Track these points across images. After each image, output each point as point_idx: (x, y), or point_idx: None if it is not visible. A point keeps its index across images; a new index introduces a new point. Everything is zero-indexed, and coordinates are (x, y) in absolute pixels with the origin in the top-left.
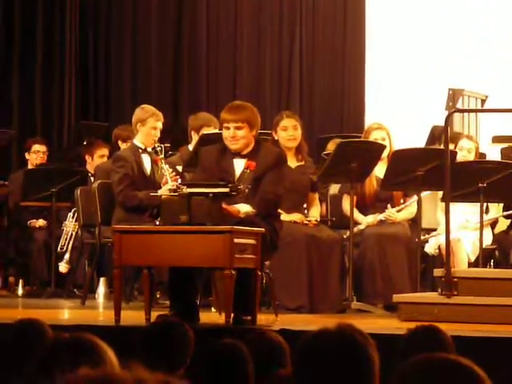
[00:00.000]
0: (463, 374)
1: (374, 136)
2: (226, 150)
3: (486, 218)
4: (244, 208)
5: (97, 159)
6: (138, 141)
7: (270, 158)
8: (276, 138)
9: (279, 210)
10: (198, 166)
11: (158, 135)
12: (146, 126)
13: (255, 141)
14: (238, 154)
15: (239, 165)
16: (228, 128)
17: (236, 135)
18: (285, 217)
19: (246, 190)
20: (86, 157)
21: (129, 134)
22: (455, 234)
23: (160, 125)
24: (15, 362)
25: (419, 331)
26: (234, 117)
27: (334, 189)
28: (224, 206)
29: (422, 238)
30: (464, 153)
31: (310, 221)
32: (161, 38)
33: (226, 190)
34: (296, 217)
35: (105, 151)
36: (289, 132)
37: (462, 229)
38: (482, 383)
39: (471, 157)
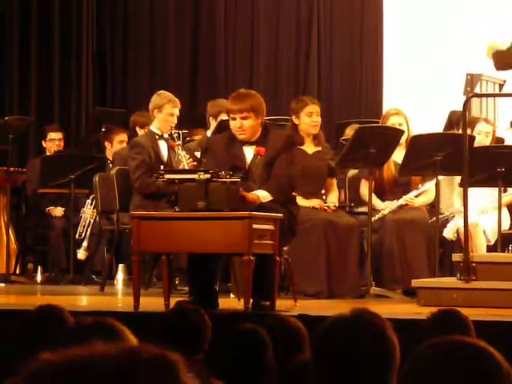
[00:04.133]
0: (480, 356)
1: (392, 121)
2: (235, 137)
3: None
4: (262, 194)
5: (116, 145)
6: (154, 127)
7: (280, 141)
8: (296, 123)
9: (296, 194)
10: (209, 154)
11: (175, 122)
12: (163, 113)
13: (262, 126)
14: (247, 142)
15: (249, 152)
16: (234, 119)
17: (243, 125)
18: (303, 202)
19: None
20: (106, 143)
21: (146, 120)
22: (473, 218)
23: (177, 111)
24: (35, 349)
25: (440, 315)
26: (239, 107)
27: (352, 174)
28: (242, 193)
29: (440, 216)
30: (482, 136)
31: (328, 206)
32: (178, 23)
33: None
34: (315, 202)
35: (124, 137)
36: (313, 118)
37: (480, 213)
38: (499, 365)
39: (488, 140)
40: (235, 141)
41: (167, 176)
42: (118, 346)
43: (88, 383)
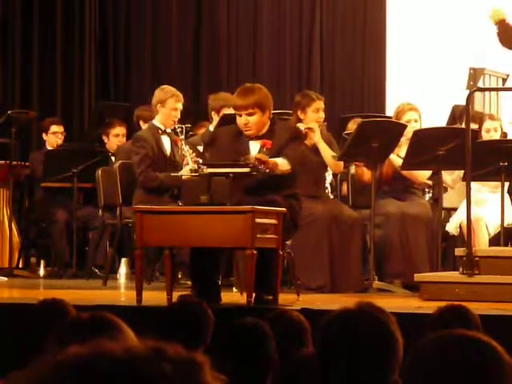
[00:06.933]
0: (482, 350)
1: (408, 117)
2: (242, 132)
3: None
4: (281, 161)
5: (112, 139)
6: (157, 121)
7: (286, 133)
8: (301, 118)
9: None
10: (213, 147)
11: (178, 116)
12: (166, 107)
13: (270, 120)
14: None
15: (255, 146)
16: (240, 115)
17: (248, 122)
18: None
19: (267, 170)
20: (103, 137)
21: (150, 115)
22: (476, 210)
23: (180, 106)
24: (39, 342)
25: (448, 310)
26: (244, 103)
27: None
28: (263, 157)
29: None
30: (492, 133)
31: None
32: (181, 17)
33: (247, 169)
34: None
35: (119, 130)
36: (320, 114)
37: (481, 204)
38: (501, 359)
39: (497, 135)
40: (241, 135)
41: (209, 170)
42: (143, 345)
43: (113, 380)
